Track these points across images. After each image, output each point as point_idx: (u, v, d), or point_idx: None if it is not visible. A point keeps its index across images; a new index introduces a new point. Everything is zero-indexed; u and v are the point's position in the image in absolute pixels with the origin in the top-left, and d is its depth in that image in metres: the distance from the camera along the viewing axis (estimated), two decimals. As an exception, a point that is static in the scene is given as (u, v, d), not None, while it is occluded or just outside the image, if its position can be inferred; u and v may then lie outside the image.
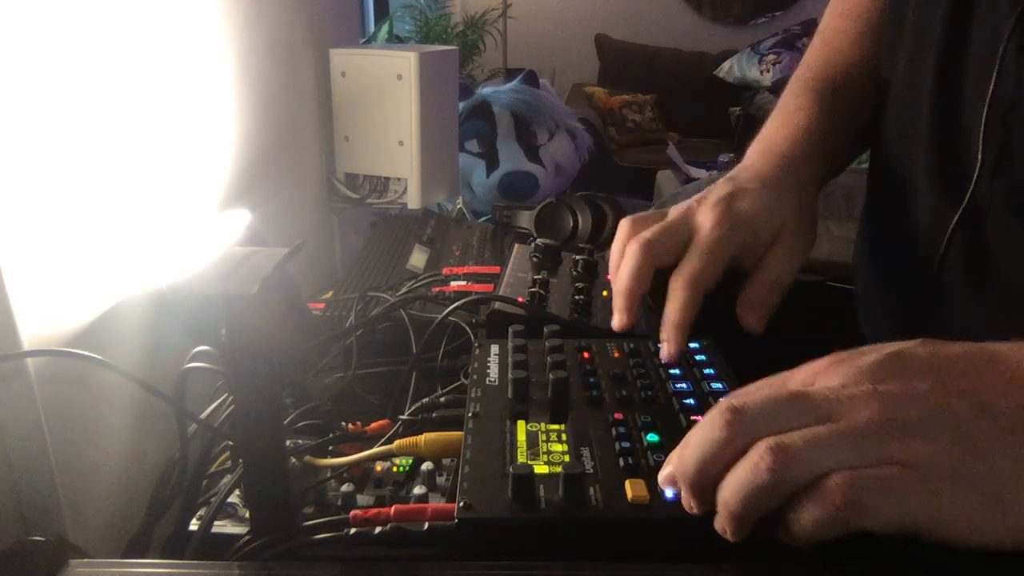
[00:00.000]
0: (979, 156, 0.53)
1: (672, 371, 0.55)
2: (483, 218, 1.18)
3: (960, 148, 0.54)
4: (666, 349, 0.54)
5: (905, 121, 0.61)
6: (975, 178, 0.53)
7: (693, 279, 0.54)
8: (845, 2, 0.74)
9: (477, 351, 0.59)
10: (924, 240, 0.58)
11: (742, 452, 0.34)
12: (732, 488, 0.34)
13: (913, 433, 0.32)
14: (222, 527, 0.50)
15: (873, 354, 0.35)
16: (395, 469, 0.55)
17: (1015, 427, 0.33)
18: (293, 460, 0.54)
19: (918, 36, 0.59)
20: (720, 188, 0.59)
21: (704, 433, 0.35)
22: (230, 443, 0.55)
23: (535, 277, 0.73)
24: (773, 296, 0.57)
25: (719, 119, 3.86)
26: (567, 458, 0.45)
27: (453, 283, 0.80)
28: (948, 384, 0.34)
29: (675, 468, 0.37)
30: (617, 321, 0.57)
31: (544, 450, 0.46)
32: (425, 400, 0.60)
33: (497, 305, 0.68)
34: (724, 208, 0.56)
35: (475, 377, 0.55)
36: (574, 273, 0.76)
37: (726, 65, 4.01)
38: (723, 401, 0.35)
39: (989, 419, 0.33)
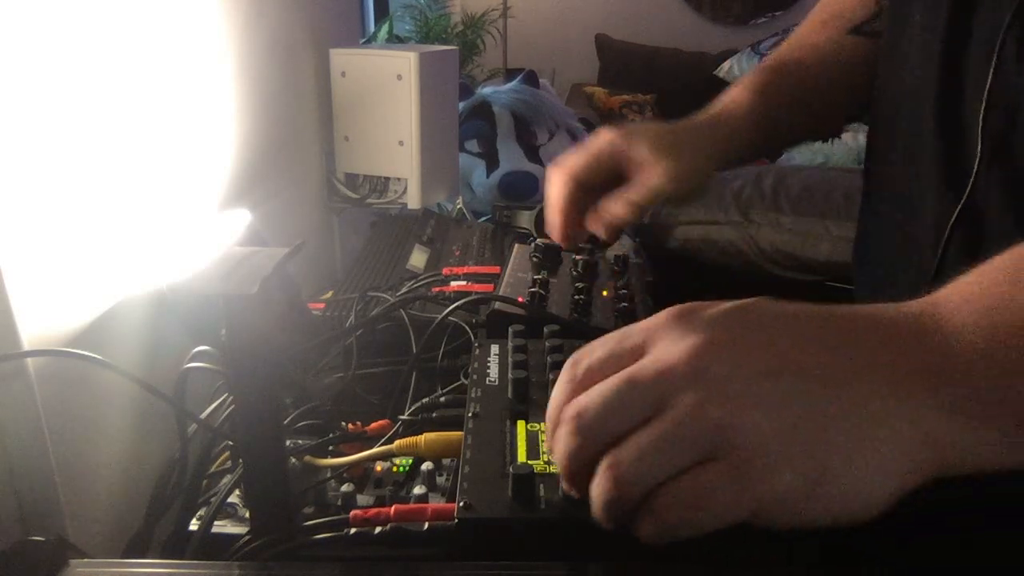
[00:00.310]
0: (978, 150, 0.53)
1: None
2: (483, 218, 1.18)
3: (961, 144, 0.54)
4: (554, 234, 0.70)
5: (910, 119, 0.61)
6: (974, 173, 0.53)
7: (561, 166, 0.69)
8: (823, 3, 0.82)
9: (477, 351, 0.59)
10: (924, 237, 0.58)
11: (596, 457, 0.35)
12: (595, 505, 0.36)
13: (729, 424, 0.33)
14: (222, 527, 0.50)
15: (702, 317, 0.36)
16: (395, 469, 0.55)
17: (838, 398, 0.33)
18: (293, 460, 0.54)
19: (923, 34, 0.59)
20: (631, 125, 0.72)
21: (560, 446, 0.36)
22: (230, 443, 0.55)
23: (535, 277, 0.73)
24: (626, 211, 0.68)
25: (719, 119, 3.85)
26: (567, 458, 0.45)
27: (453, 283, 0.80)
28: (771, 354, 0.34)
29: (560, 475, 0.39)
30: (558, 239, 0.70)
31: (544, 450, 0.46)
32: (425, 400, 0.60)
33: (497, 305, 0.68)
34: (619, 130, 0.69)
35: (475, 377, 0.55)
36: (574, 273, 0.76)
37: (726, 65, 4.01)
38: (567, 408, 0.36)
39: (808, 391, 0.33)
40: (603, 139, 0.68)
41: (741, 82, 0.78)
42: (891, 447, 0.33)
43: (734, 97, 0.76)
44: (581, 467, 0.36)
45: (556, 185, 0.68)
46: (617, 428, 0.35)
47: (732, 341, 0.35)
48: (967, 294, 0.36)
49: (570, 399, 0.37)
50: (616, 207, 0.68)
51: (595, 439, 0.35)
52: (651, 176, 0.67)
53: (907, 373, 0.34)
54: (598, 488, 0.35)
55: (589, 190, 0.69)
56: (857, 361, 0.34)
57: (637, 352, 0.36)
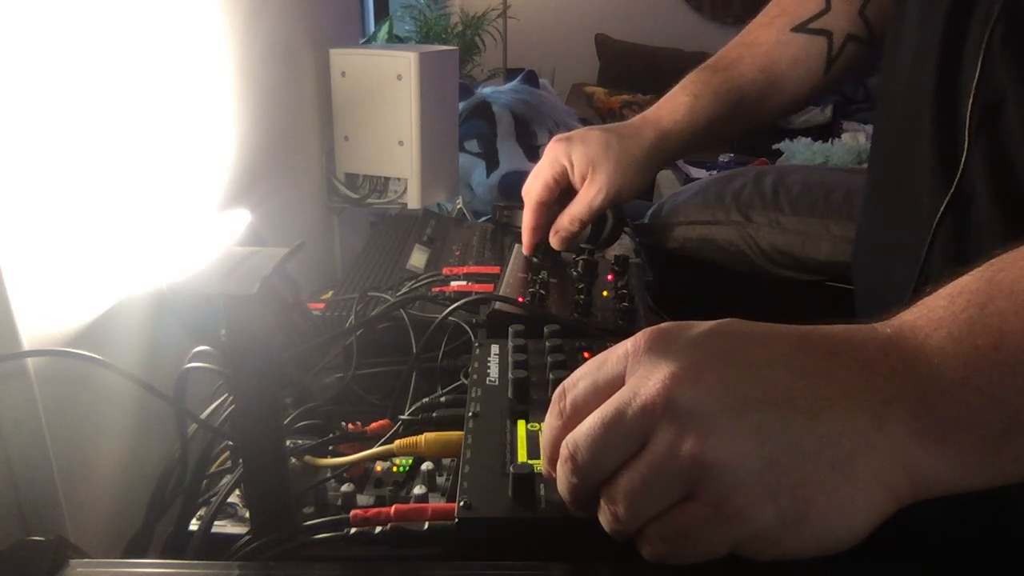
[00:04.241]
0: (966, 143, 0.53)
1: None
2: (483, 218, 1.18)
3: (953, 137, 0.55)
4: (524, 246, 0.81)
5: (908, 116, 0.61)
6: (962, 165, 0.53)
7: (526, 191, 0.81)
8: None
9: (477, 351, 0.59)
10: (915, 232, 0.59)
11: (596, 490, 0.37)
12: (606, 529, 0.37)
13: (706, 460, 0.33)
14: (222, 527, 0.50)
15: (676, 344, 0.36)
16: (395, 469, 0.55)
17: (814, 429, 0.33)
18: (293, 460, 0.54)
19: (921, 31, 0.59)
20: (575, 132, 0.80)
21: (562, 483, 0.38)
22: (230, 443, 0.55)
23: (535, 277, 0.73)
24: (572, 225, 0.78)
25: (719, 119, 3.85)
26: (567, 458, 0.45)
27: (453, 283, 0.80)
28: (745, 384, 0.34)
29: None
30: (528, 254, 0.81)
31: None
32: (425, 400, 0.60)
33: (497, 305, 0.68)
34: (562, 142, 0.79)
35: (475, 377, 0.55)
36: (574, 273, 0.76)
37: (726, 65, 4.00)
38: (562, 447, 0.37)
39: (783, 422, 0.33)
40: (550, 156, 0.79)
41: (681, 83, 0.84)
42: (869, 476, 0.33)
43: (673, 98, 0.82)
44: (585, 500, 0.38)
45: (526, 212, 0.81)
46: (609, 465, 0.36)
47: (706, 370, 0.34)
48: (938, 319, 0.35)
49: (562, 434, 0.38)
50: (563, 222, 0.79)
51: (591, 477, 0.36)
52: (590, 192, 0.77)
53: (884, 399, 0.34)
54: (602, 519, 0.37)
55: (553, 205, 0.80)
56: (832, 388, 0.34)
57: (617, 381, 0.37)
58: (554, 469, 0.39)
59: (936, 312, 0.36)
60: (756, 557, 0.34)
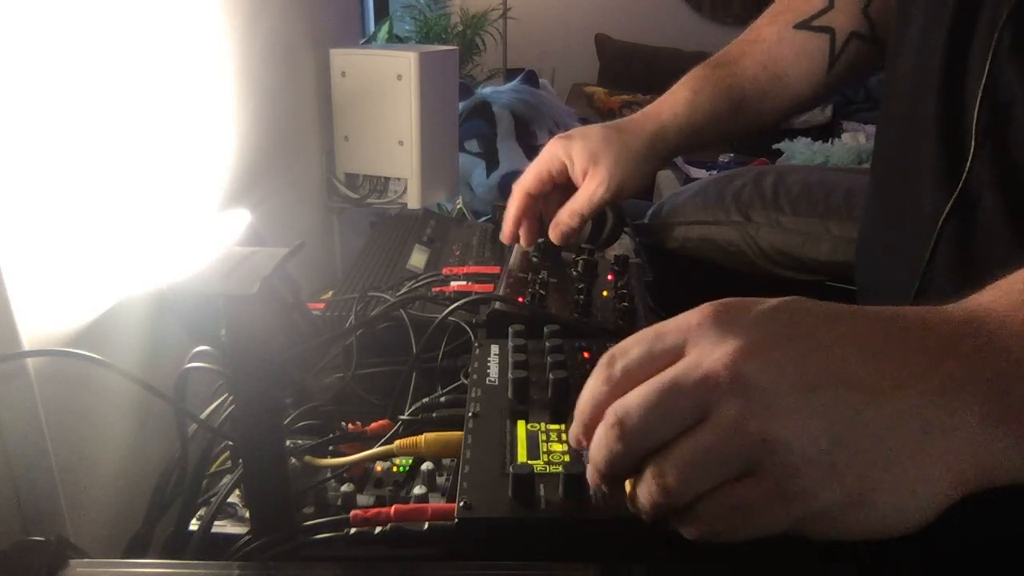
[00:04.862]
0: (972, 143, 0.53)
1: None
2: (483, 218, 1.17)
3: (959, 138, 0.55)
4: (503, 237, 0.81)
5: (912, 116, 0.61)
6: (968, 165, 0.53)
7: (517, 182, 0.79)
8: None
9: (477, 351, 0.59)
10: (918, 233, 0.59)
11: (638, 462, 0.35)
12: (641, 505, 0.36)
13: (773, 438, 0.32)
14: (222, 527, 0.50)
15: (743, 319, 0.35)
16: (395, 469, 0.55)
17: (883, 409, 0.32)
18: (293, 460, 0.54)
19: (925, 33, 0.59)
20: (575, 129, 0.80)
21: (603, 450, 0.36)
22: (230, 443, 0.55)
23: (535, 277, 0.73)
24: (572, 219, 0.77)
25: (719, 119, 3.85)
26: (567, 458, 0.45)
27: (453, 283, 0.80)
28: (814, 362, 0.33)
29: (590, 474, 0.38)
30: (505, 240, 0.81)
31: (544, 450, 0.46)
32: (425, 400, 0.60)
33: (497, 305, 0.68)
34: (563, 139, 0.78)
35: (475, 377, 0.55)
36: (574, 273, 0.76)
37: (726, 65, 4.00)
38: (608, 412, 0.36)
39: (852, 402, 0.33)
40: (549, 152, 0.78)
41: (683, 79, 0.83)
42: (937, 460, 0.32)
43: (674, 93, 0.82)
44: (622, 471, 0.36)
45: (512, 198, 0.80)
46: (661, 436, 0.34)
47: (774, 347, 0.34)
48: (1014, 302, 0.34)
49: (608, 400, 0.36)
50: (563, 216, 0.78)
51: (639, 446, 0.35)
52: (591, 186, 0.76)
53: (956, 383, 0.33)
54: (646, 493, 0.35)
55: (544, 199, 0.80)
56: (904, 369, 0.33)
57: (675, 352, 0.36)
58: (586, 436, 0.37)
59: (1013, 295, 0.35)
60: (814, 536, 0.33)
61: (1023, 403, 0.32)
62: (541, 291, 0.70)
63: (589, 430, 0.37)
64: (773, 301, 0.36)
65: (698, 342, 0.35)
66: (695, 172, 2.64)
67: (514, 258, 0.81)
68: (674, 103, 0.81)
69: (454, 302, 0.69)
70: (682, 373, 0.34)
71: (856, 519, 0.33)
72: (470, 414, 0.50)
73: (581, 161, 0.77)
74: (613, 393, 0.36)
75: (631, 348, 0.37)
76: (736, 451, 0.33)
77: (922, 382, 0.33)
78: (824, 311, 0.35)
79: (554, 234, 0.79)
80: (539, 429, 0.48)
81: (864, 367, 0.33)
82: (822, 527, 0.33)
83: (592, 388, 0.38)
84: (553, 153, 0.78)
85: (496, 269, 0.83)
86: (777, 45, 0.82)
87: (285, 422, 0.58)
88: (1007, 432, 0.32)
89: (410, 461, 0.55)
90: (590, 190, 0.77)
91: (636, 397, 0.35)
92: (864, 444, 0.32)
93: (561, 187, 0.79)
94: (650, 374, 0.35)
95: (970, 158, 0.53)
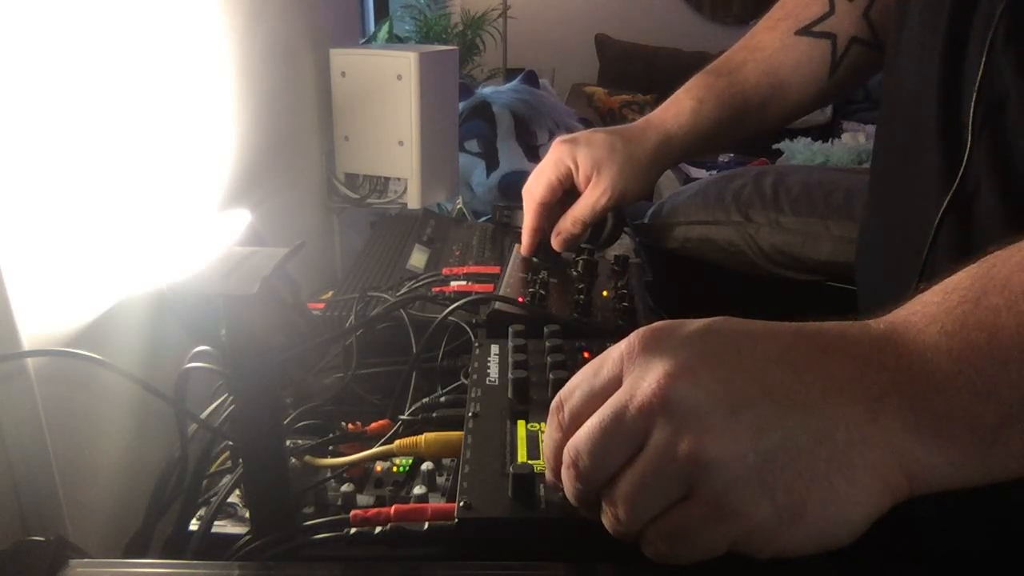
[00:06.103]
0: (968, 140, 0.53)
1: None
2: (483, 218, 1.18)
3: (956, 136, 0.55)
4: (523, 247, 0.81)
5: (911, 116, 0.61)
6: (964, 161, 0.53)
7: (528, 192, 0.80)
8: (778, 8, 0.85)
9: (477, 351, 0.59)
10: (918, 230, 0.59)
11: (598, 498, 0.37)
12: (610, 532, 0.38)
13: (703, 458, 0.33)
14: (222, 527, 0.50)
15: (670, 342, 0.36)
16: (395, 469, 0.55)
17: (809, 424, 0.33)
18: (293, 460, 0.54)
19: (923, 31, 0.59)
20: (580, 134, 0.80)
21: (568, 489, 0.38)
22: (230, 443, 0.55)
23: (535, 277, 0.73)
24: (574, 227, 0.79)
25: (719, 119, 3.85)
26: (567, 458, 0.45)
27: (453, 283, 0.80)
28: (740, 381, 0.34)
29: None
30: (526, 255, 0.81)
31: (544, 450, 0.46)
32: (425, 400, 0.60)
33: (497, 305, 0.68)
34: (566, 144, 0.78)
35: (475, 377, 0.55)
36: (574, 273, 0.76)
37: (726, 65, 4.00)
38: (564, 453, 0.37)
39: (778, 417, 0.33)
40: (554, 157, 0.79)
41: (686, 86, 0.84)
42: (864, 470, 0.33)
43: (678, 102, 0.82)
44: (590, 503, 0.38)
45: (527, 212, 0.81)
46: (610, 467, 0.36)
47: (700, 368, 0.34)
48: (931, 314, 0.35)
49: (563, 443, 0.38)
50: (566, 224, 0.79)
51: (594, 481, 0.36)
52: (594, 194, 0.77)
53: (878, 393, 0.34)
54: (605, 521, 0.37)
55: (555, 207, 0.80)
56: (826, 382, 0.34)
57: (613, 384, 0.37)
58: (559, 479, 0.39)
59: (930, 308, 0.36)
60: (754, 554, 0.34)
61: (942, 413, 0.33)
62: (541, 291, 0.70)
63: (557, 474, 0.39)
64: (700, 322, 0.37)
65: (631, 371, 0.36)
66: (695, 172, 2.64)
67: (514, 258, 0.81)
68: (678, 112, 0.81)
69: (454, 302, 0.69)
70: (619, 405, 0.35)
71: (791, 534, 0.33)
72: (470, 414, 0.50)
73: (585, 168, 0.78)
74: (566, 436, 0.38)
75: (574, 389, 0.39)
76: (672, 474, 0.34)
77: (844, 394, 0.34)
78: (748, 329, 0.37)
79: (556, 241, 0.80)
80: (539, 429, 0.48)
81: (788, 382, 0.34)
82: (760, 545, 0.34)
83: (549, 435, 0.40)
84: (559, 158, 0.78)
85: (496, 269, 0.83)
86: (778, 52, 0.82)
87: (285, 422, 0.58)
88: (929, 440, 0.33)
89: (410, 461, 0.55)
90: (593, 198, 0.77)
91: (582, 437, 0.36)
92: (791, 458, 0.33)
93: (566, 192, 0.80)
94: (594, 410, 0.36)
95: (967, 152, 0.53)
